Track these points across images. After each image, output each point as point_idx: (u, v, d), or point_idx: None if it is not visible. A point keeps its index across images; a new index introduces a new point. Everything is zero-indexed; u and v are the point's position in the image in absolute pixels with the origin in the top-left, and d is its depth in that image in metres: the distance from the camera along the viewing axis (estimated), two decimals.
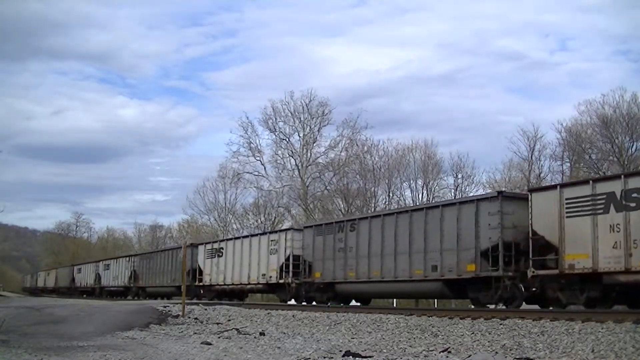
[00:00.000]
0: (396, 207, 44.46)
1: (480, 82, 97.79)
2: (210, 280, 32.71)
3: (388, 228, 21.25)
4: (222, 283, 31.44)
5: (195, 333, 14.04)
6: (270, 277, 27.56)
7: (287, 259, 26.58)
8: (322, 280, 24.10)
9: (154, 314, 18.02)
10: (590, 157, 41.01)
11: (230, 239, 33.52)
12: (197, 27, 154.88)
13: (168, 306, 20.10)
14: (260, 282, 28.42)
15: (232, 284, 30.59)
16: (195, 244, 35.73)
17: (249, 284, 29.33)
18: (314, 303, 24.61)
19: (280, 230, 29.48)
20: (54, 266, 74.12)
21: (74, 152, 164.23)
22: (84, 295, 53.22)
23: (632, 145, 39.46)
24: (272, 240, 28.06)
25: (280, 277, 26.72)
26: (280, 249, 27.18)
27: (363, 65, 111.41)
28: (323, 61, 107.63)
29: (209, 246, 33.91)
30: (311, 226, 26.22)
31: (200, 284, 33.41)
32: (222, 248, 32.09)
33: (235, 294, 31.22)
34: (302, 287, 25.53)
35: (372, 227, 21.99)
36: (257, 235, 30.76)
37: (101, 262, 52.90)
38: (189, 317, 17.62)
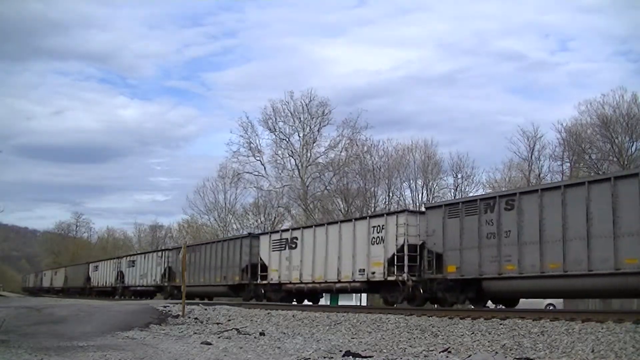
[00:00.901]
0: (396, 207, 44.53)
1: (481, 82, 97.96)
2: (279, 277, 26.87)
3: (572, 204, 16.05)
4: (298, 281, 25.63)
5: (195, 333, 14.04)
6: (373, 273, 21.84)
7: (400, 250, 20.74)
8: (460, 275, 18.64)
9: (154, 314, 18.01)
10: (590, 157, 41.04)
11: (309, 226, 27.78)
12: (197, 27, 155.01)
13: (168, 306, 20.09)
14: (357, 279, 22.55)
15: (313, 282, 24.82)
16: (256, 234, 31.36)
17: (339, 282, 23.44)
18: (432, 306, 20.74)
19: (389, 214, 22.70)
20: (63, 264, 69.49)
21: (74, 152, 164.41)
22: (101, 297, 47.49)
23: (632, 145, 39.56)
24: (374, 227, 22.08)
25: (389, 273, 20.97)
26: (389, 236, 21.31)
27: (363, 65, 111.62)
28: (323, 61, 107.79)
29: (276, 236, 28.06)
30: (439, 206, 20.35)
31: (264, 282, 27.70)
32: (296, 238, 26.41)
33: (314, 295, 26.93)
34: (424, 284, 19.99)
35: (544, 203, 16.66)
36: (349, 221, 24.52)
37: (125, 257, 47.39)
38: (189, 317, 17.62)
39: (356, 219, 23.89)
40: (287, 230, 28.92)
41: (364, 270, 22.11)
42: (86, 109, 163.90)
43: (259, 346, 11.18)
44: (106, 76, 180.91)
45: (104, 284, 49.72)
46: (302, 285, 25.41)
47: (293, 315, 16.55)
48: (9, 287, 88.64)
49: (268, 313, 17.58)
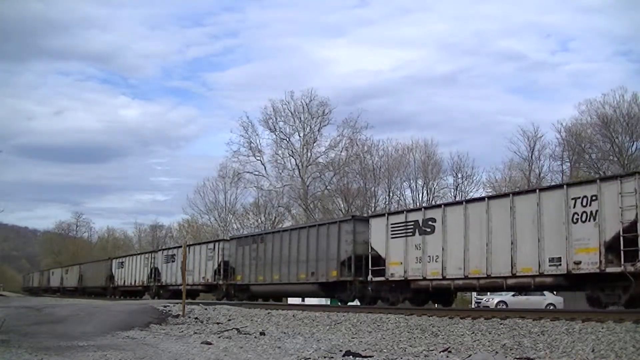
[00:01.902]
0: (396, 207, 44.51)
1: (481, 82, 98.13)
2: (405, 272, 20.48)
3: None
4: (438, 276, 19.47)
5: (196, 333, 14.04)
6: (579, 263, 15.60)
7: (629, 229, 14.62)
8: None
9: (154, 314, 18.02)
10: (590, 156, 41.06)
11: (455, 203, 22.44)
12: (198, 27, 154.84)
13: (168, 306, 20.09)
14: (548, 271, 16.36)
15: (465, 278, 18.63)
16: (361, 217, 25.56)
17: (514, 276, 17.30)
18: None
19: (604, 179, 16.36)
20: (79, 261, 63.77)
21: (74, 152, 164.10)
22: (129, 297, 42.12)
23: (632, 145, 39.62)
24: (575, 199, 16.02)
25: (608, 263, 14.99)
26: (605, 213, 15.25)
27: (364, 65, 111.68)
28: (324, 61, 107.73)
29: (396, 218, 21.65)
30: None
31: (380, 278, 21.42)
32: (433, 219, 20.06)
33: (445, 294, 21.38)
34: None
35: None
36: (524, 193, 18.46)
37: (160, 252, 40.78)
38: (189, 317, 17.61)
39: (543, 189, 17.92)
40: (415, 210, 22.64)
41: (559, 259, 16.21)
42: (87, 109, 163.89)
43: (260, 346, 11.18)
44: (107, 76, 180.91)
45: (132, 283, 43.43)
46: (444, 281, 19.50)
47: (293, 315, 16.54)
48: (9, 287, 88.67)
49: (268, 313, 17.58)
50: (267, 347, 11.02)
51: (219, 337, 12.84)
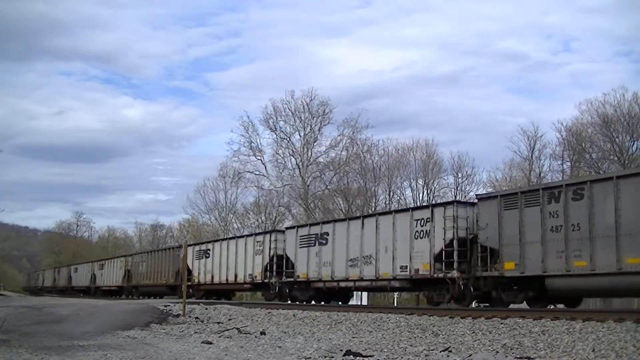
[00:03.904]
0: (397, 206, 44.51)
1: (483, 82, 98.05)
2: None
3: None
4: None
5: (196, 332, 14.04)
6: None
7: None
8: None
9: (154, 314, 18.03)
10: (590, 156, 41.03)
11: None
12: (201, 27, 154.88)
13: (169, 305, 20.11)
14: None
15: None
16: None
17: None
18: None
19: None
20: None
21: (76, 152, 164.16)
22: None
23: (633, 144, 39.56)
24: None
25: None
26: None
27: (366, 65, 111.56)
28: (326, 62, 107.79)
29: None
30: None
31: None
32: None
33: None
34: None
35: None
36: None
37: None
38: (190, 317, 17.63)
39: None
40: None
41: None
42: (89, 109, 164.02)
43: (260, 345, 11.18)
44: (109, 76, 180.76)
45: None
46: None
47: (294, 315, 16.54)
48: (9, 286, 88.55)
49: (269, 312, 17.58)
50: (267, 346, 11.02)
51: (220, 337, 12.84)
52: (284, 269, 26.11)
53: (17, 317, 16.58)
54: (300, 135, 52.65)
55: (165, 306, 19.93)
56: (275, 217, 54.20)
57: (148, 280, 39.99)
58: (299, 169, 52.19)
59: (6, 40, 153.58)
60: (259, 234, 30.87)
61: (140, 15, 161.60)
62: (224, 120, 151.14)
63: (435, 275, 18.98)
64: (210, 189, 61.41)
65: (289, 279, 25.64)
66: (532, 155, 44.14)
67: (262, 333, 13.24)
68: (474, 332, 11.33)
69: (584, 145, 41.16)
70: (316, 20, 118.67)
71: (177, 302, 20.99)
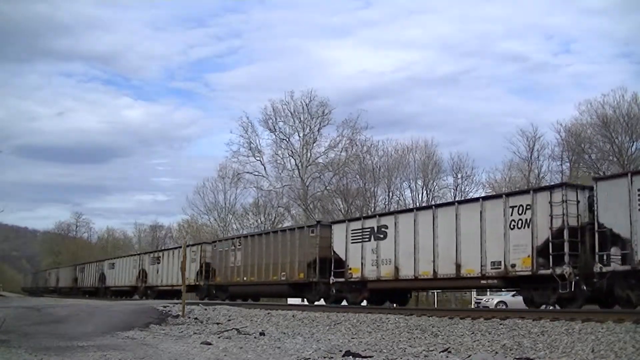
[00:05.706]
0: (396, 207, 44.48)
1: (483, 83, 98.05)
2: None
3: None
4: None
5: (195, 333, 14.03)
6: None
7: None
8: None
9: (154, 314, 18.01)
10: (589, 157, 41.07)
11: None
12: (202, 28, 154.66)
13: (168, 306, 20.09)
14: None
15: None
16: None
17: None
18: None
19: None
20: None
21: (76, 153, 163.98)
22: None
23: (632, 145, 39.61)
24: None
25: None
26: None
27: (367, 66, 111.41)
28: (327, 63, 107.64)
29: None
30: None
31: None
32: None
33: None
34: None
35: None
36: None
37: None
38: (189, 317, 17.61)
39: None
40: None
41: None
42: (90, 110, 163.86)
43: (259, 346, 11.18)
44: (110, 77, 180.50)
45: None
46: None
47: (293, 315, 16.55)
48: (8, 287, 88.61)
49: (268, 313, 17.58)
50: (266, 347, 11.02)
51: (219, 338, 12.84)
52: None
53: (16, 317, 16.56)
54: (299, 136, 52.79)
55: (165, 307, 19.91)
56: (275, 217, 54.21)
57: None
58: (298, 169, 52.22)
59: (8, 41, 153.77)
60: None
61: (141, 16, 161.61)
62: (224, 121, 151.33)
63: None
64: (209, 189, 61.57)
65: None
66: (531, 156, 44.25)
67: (262, 334, 13.25)
68: (473, 333, 11.33)
69: (583, 146, 41.20)
70: (317, 21, 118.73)
71: (177, 303, 20.97)
